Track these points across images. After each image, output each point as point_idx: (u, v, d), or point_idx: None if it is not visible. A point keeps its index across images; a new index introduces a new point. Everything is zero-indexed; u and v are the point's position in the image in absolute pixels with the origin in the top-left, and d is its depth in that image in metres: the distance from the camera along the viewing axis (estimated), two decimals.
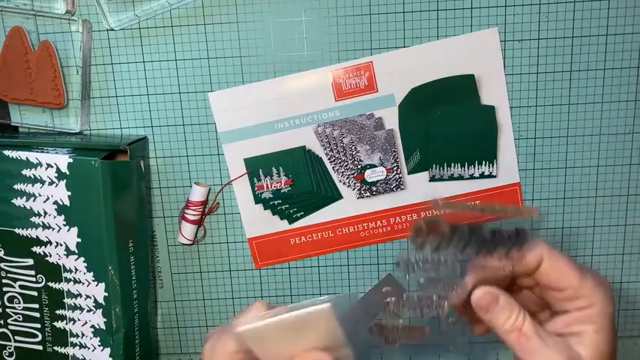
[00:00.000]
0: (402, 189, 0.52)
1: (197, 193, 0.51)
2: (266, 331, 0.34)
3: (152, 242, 0.54)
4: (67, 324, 0.48)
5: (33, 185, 0.45)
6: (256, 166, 0.52)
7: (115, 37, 0.49)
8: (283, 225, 0.53)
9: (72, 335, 0.48)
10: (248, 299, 0.55)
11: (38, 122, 0.51)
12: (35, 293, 0.48)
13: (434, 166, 0.51)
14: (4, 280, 0.48)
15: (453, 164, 0.51)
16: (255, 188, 0.52)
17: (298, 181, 0.52)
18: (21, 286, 0.48)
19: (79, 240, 0.46)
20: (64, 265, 0.47)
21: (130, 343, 0.49)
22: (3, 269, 0.48)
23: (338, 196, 0.52)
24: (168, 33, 0.49)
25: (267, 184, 0.52)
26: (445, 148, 0.51)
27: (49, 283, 0.48)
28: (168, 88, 0.50)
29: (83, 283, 0.47)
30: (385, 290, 0.42)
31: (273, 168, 0.52)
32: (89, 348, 0.48)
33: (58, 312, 0.48)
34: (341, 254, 0.54)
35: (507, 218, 0.43)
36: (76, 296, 0.47)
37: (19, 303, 0.49)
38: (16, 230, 0.47)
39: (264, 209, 0.52)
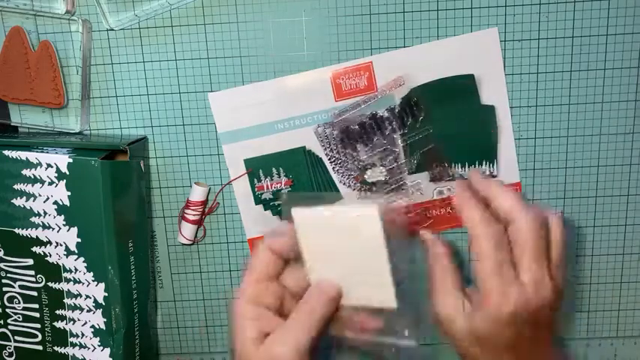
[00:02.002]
0: (403, 189, 0.52)
1: (197, 193, 0.51)
2: (315, 220, 0.38)
3: (152, 242, 0.54)
4: (66, 324, 0.48)
5: (33, 185, 0.45)
6: (256, 167, 0.52)
7: (115, 37, 0.49)
8: None
9: (72, 335, 0.48)
10: None
11: (38, 122, 0.51)
12: (35, 293, 0.48)
13: (434, 166, 0.51)
14: (4, 280, 0.48)
15: (453, 164, 0.51)
16: (256, 189, 0.52)
17: (298, 182, 0.52)
18: (21, 286, 0.48)
19: (79, 240, 0.46)
20: (63, 265, 0.47)
21: (130, 343, 0.49)
22: (3, 269, 0.48)
23: None
24: (168, 33, 0.49)
25: (267, 185, 0.52)
26: (445, 148, 0.51)
27: (49, 283, 0.48)
28: (168, 88, 0.50)
29: (83, 283, 0.47)
30: None
31: (274, 168, 0.52)
32: (89, 348, 0.48)
33: (57, 312, 0.48)
34: None
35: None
36: (75, 296, 0.47)
37: (19, 303, 0.49)
38: (16, 230, 0.47)
39: (265, 210, 0.52)
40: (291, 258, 0.41)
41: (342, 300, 0.40)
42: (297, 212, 0.38)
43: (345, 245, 0.38)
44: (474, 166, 0.51)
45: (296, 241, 0.39)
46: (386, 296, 0.39)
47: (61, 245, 0.46)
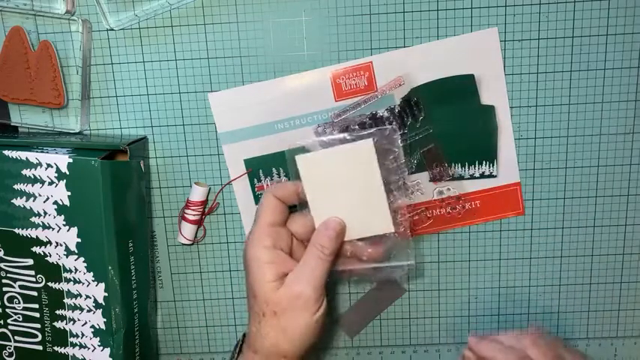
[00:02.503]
0: (402, 189, 0.52)
1: (197, 193, 0.51)
2: (317, 161, 0.43)
3: (152, 242, 0.54)
4: (66, 324, 0.48)
5: (33, 185, 0.45)
6: (256, 167, 0.52)
7: (115, 37, 0.49)
8: None
9: (72, 335, 0.48)
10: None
11: (38, 122, 0.51)
12: (35, 293, 0.48)
13: (434, 166, 0.51)
14: (4, 280, 0.48)
15: (453, 164, 0.51)
16: (256, 189, 0.52)
17: None
18: (21, 286, 0.48)
19: (79, 240, 0.46)
20: (63, 265, 0.47)
21: (130, 343, 0.49)
22: (3, 269, 0.48)
23: None
24: (168, 33, 0.49)
25: (267, 185, 0.52)
26: (445, 148, 0.51)
27: (49, 283, 0.48)
28: (168, 88, 0.50)
29: (83, 283, 0.47)
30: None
31: (273, 168, 0.52)
32: (89, 348, 0.48)
33: (57, 312, 0.48)
34: None
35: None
36: (75, 296, 0.47)
37: (19, 303, 0.49)
38: (16, 230, 0.47)
39: None
40: (295, 203, 0.44)
41: (345, 236, 0.44)
42: (300, 158, 0.43)
43: (345, 179, 0.43)
44: (474, 166, 0.51)
45: (298, 187, 0.44)
46: (384, 222, 0.43)
47: (61, 245, 0.46)
